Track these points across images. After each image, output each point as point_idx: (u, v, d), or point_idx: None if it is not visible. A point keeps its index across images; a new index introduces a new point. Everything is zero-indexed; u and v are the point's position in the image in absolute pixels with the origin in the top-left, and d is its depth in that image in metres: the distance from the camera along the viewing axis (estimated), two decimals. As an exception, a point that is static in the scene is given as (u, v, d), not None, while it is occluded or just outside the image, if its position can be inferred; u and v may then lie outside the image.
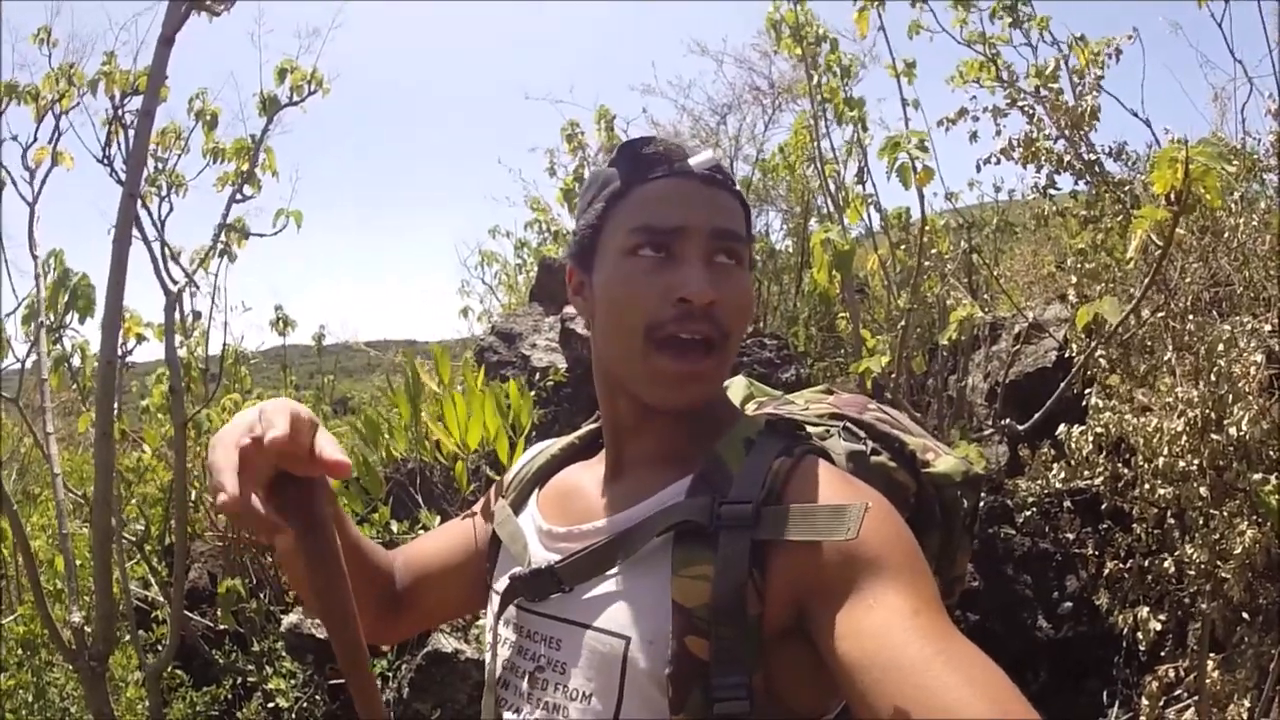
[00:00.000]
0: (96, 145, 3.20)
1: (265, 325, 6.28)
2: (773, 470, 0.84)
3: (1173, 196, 2.50)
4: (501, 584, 0.98)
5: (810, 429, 0.95)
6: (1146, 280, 2.69)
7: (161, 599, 3.77)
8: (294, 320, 6.34)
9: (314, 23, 3.53)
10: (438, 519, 3.38)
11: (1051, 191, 3.44)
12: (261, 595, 3.93)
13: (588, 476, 1.02)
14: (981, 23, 3.60)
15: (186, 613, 3.61)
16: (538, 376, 4.32)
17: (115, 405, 3.08)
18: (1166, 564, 2.93)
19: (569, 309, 4.39)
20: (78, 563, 3.06)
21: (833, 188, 4.23)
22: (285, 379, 6.40)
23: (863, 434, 0.96)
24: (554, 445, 1.11)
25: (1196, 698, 2.84)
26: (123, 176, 2.97)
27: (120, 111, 3.11)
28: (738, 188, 0.97)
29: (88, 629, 2.94)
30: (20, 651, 3.59)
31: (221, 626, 3.76)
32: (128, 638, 3.45)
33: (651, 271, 0.88)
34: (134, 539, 3.64)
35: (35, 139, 3.24)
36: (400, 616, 1.13)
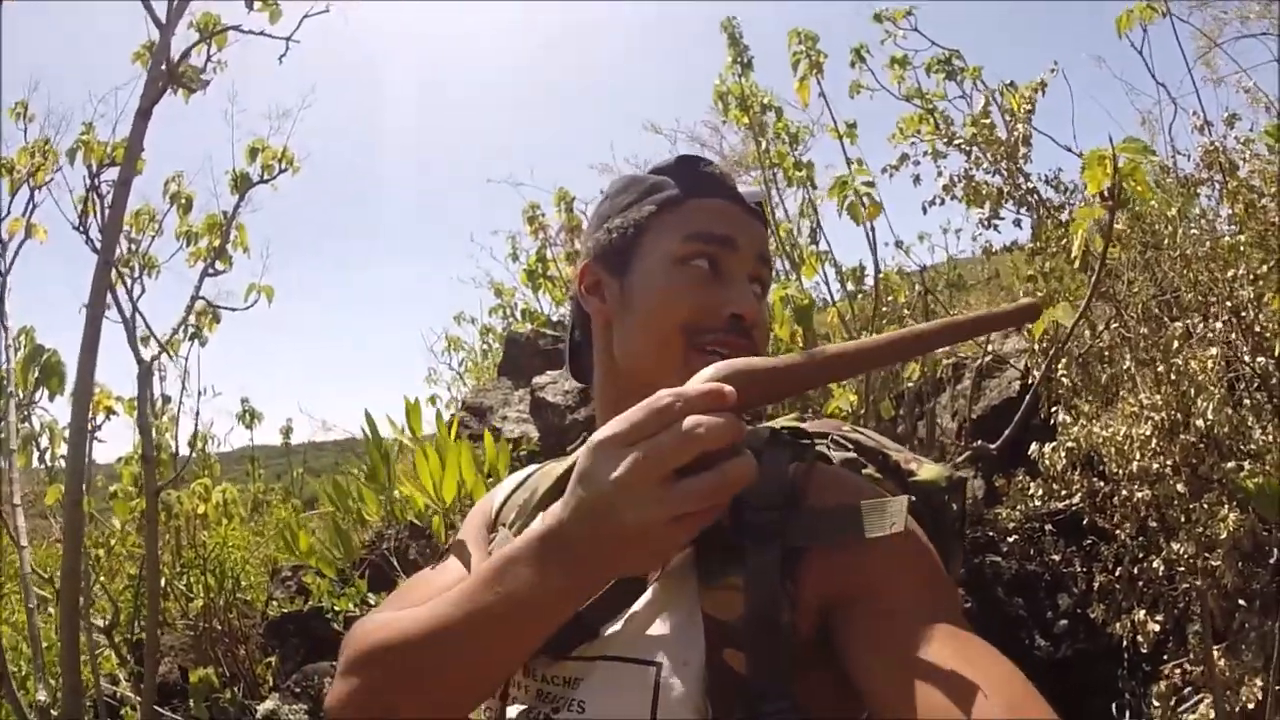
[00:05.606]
0: (71, 218, 3.24)
1: (232, 414, 6.25)
2: (789, 476, 0.84)
3: (1105, 193, 2.67)
4: None
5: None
6: (1094, 278, 2.81)
7: (132, 694, 3.57)
8: (260, 413, 6.29)
9: (285, 105, 3.67)
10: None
11: (995, 222, 3.60)
12: (235, 688, 3.75)
13: None
14: (918, 78, 3.86)
15: (157, 708, 3.42)
16: (511, 448, 4.32)
17: (85, 474, 3.03)
18: (1155, 564, 2.93)
19: (539, 379, 4.41)
20: (44, 645, 2.91)
21: (788, 248, 4.39)
22: (254, 472, 6.28)
23: (850, 446, 0.97)
24: (557, 466, 0.99)
25: (1208, 689, 2.80)
26: (98, 245, 3.01)
27: (97, 181, 3.18)
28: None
29: (54, 711, 2.79)
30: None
31: (195, 718, 3.57)
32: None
33: (702, 283, 0.91)
34: (102, 626, 3.48)
35: (9, 211, 3.29)
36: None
